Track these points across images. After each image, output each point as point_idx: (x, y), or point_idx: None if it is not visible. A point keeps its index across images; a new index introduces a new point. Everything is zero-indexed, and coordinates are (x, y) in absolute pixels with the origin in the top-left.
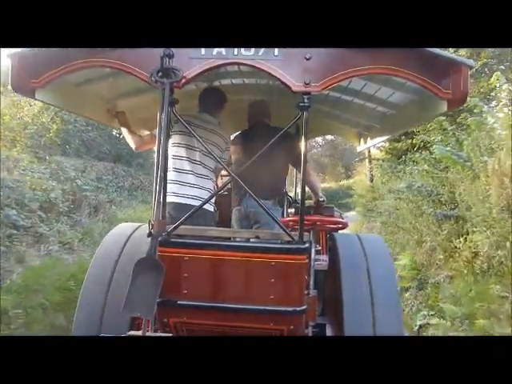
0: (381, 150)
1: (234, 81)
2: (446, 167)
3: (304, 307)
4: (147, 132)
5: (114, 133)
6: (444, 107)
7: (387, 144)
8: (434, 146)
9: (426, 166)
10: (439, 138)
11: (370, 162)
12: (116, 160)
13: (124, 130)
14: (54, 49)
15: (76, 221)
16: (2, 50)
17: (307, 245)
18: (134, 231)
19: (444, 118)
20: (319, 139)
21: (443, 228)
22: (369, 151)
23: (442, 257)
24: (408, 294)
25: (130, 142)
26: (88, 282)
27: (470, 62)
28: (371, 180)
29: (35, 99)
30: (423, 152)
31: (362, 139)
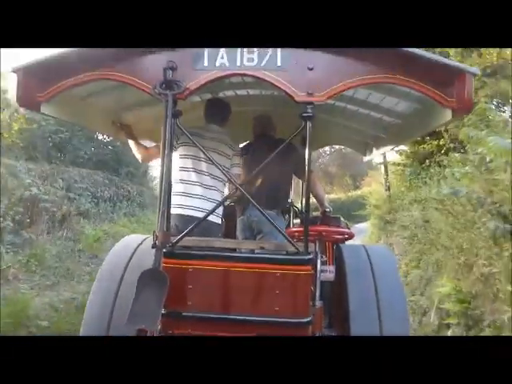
0: (400, 154)
1: (238, 92)
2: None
3: (309, 318)
4: (154, 144)
5: (99, 137)
6: (449, 116)
7: (407, 147)
8: (490, 138)
9: (467, 167)
10: (483, 132)
11: (385, 168)
12: (99, 167)
13: (131, 142)
14: (59, 62)
15: (25, 239)
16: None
17: (312, 255)
18: (141, 243)
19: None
20: (327, 148)
21: (505, 247)
22: (384, 157)
23: (509, 288)
24: (451, 331)
25: (136, 153)
26: (94, 295)
27: (475, 69)
28: (388, 189)
29: (41, 113)
30: (452, 153)
31: (368, 149)
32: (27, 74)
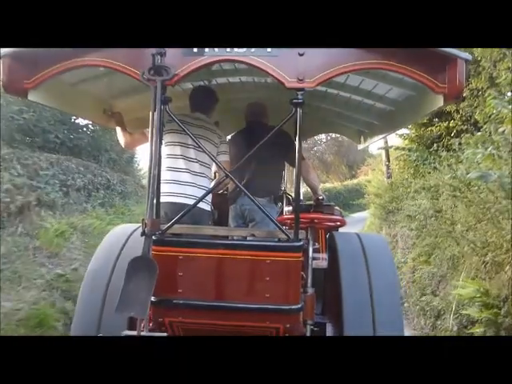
0: (404, 138)
1: (230, 79)
2: None
3: (300, 305)
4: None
5: (75, 120)
6: (440, 102)
7: (412, 130)
8: None
9: (489, 149)
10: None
11: (387, 154)
12: (75, 153)
13: (118, 129)
14: (46, 49)
15: None
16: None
17: (302, 242)
18: (133, 232)
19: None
20: (323, 136)
21: None
22: (385, 142)
23: None
24: None
25: (121, 139)
26: (86, 282)
27: (466, 55)
28: (389, 176)
29: (28, 100)
30: (464, 135)
31: (362, 137)
32: (14, 60)
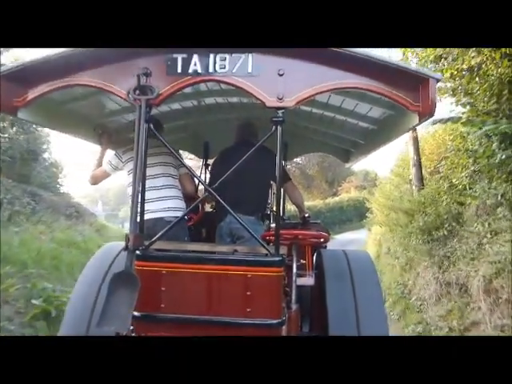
0: (455, 122)
1: (217, 100)
2: None
3: (281, 320)
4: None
5: None
6: (416, 120)
7: (466, 108)
8: None
9: None
10: None
11: (417, 149)
12: None
13: (98, 155)
14: (36, 68)
15: None
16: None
17: (282, 257)
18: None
19: None
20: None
21: None
22: (414, 132)
23: None
24: None
25: (92, 173)
26: (72, 303)
27: (438, 75)
28: (421, 182)
29: (19, 118)
30: None
31: (349, 156)
32: (4, 79)
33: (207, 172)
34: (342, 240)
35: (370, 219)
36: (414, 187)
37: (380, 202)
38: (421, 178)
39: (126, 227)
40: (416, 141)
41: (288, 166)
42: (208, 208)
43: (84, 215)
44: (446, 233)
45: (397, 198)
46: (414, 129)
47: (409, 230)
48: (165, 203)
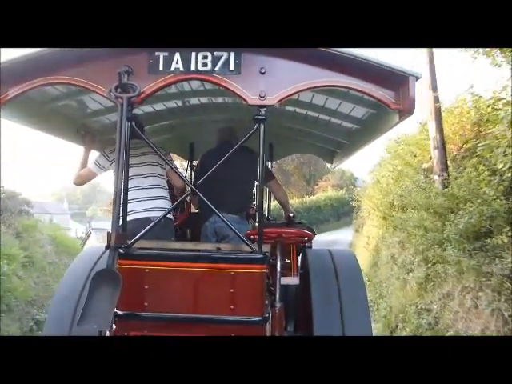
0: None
1: (201, 100)
2: None
3: (263, 317)
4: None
5: None
6: (396, 118)
7: None
8: None
9: None
10: None
11: (439, 125)
12: None
13: (82, 155)
14: (15, 67)
15: None
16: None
17: (265, 255)
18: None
19: None
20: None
21: None
22: (437, 103)
23: None
24: None
25: (78, 174)
26: (57, 298)
27: (417, 72)
28: (447, 179)
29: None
30: None
31: (334, 157)
32: None
33: (193, 173)
34: (321, 241)
35: (360, 219)
36: (436, 177)
37: (377, 200)
38: (445, 165)
39: (93, 226)
40: (439, 114)
41: (268, 162)
42: (194, 209)
43: None
44: (506, 240)
45: (406, 194)
46: (398, 123)
47: (435, 234)
48: (153, 203)
